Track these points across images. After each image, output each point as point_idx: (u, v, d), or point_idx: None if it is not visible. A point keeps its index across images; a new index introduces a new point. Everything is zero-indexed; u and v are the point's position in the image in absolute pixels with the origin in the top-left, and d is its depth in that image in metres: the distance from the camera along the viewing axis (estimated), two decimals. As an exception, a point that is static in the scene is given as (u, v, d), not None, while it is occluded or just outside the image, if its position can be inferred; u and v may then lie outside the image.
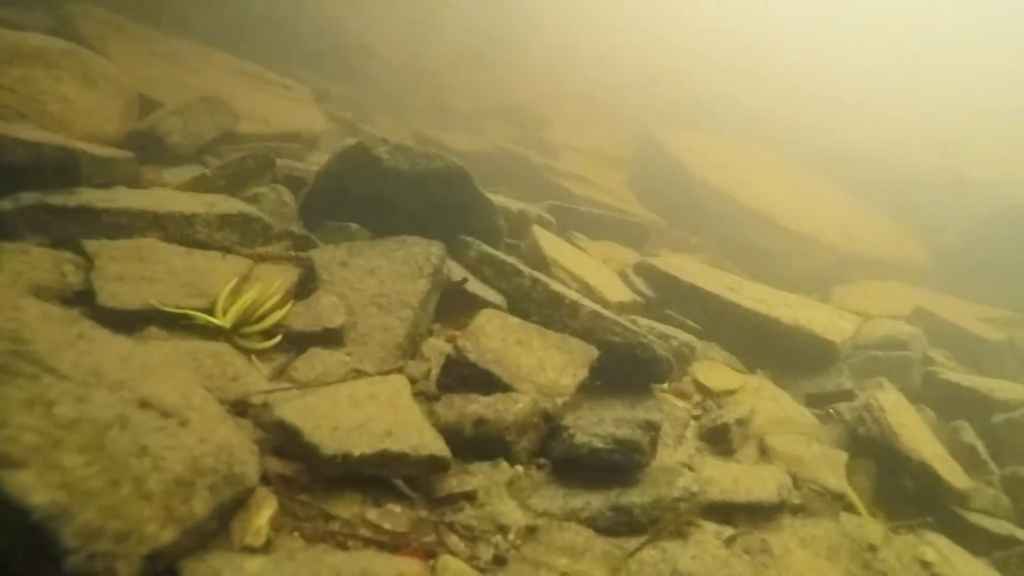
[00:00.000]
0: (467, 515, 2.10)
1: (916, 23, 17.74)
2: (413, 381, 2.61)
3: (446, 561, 1.86)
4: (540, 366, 2.79)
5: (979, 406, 4.33)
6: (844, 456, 3.35)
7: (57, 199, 2.78)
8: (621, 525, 2.24)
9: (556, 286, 3.42)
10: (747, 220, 7.73)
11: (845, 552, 2.66)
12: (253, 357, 2.51)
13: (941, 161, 10.70)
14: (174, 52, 5.95)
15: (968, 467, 3.69)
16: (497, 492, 2.23)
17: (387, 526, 1.93)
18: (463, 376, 2.65)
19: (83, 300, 2.44)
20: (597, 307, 3.31)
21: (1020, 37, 15.47)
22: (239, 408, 2.18)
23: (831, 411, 3.98)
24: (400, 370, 2.68)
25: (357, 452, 1.97)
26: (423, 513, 2.04)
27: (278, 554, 1.69)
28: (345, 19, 9.40)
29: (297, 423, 2.03)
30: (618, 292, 4.30)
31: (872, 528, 2.91)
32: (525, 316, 3.19)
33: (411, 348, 2.90)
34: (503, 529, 2.09)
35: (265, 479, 1.89)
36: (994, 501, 3.47)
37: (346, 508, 1.94)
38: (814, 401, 4.05)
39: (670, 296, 4.52)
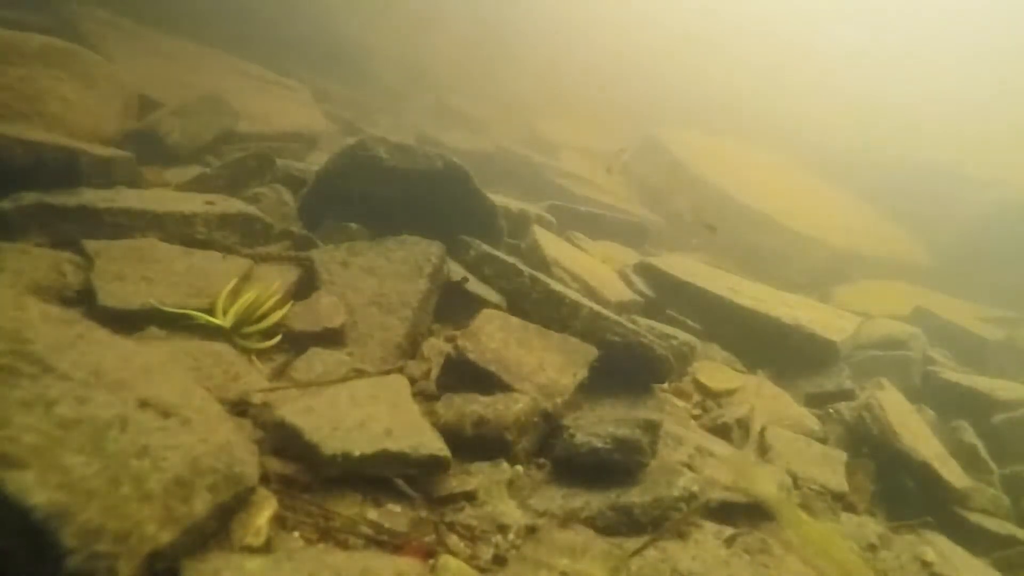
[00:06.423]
0: (467, 515, 2.10)
1: (917, 23, 17.73)
2: (413, 381, 2.61)
3: (446, 561, 1.86)
4: (540, 366, 2.79)
5: (979, 406, 4.33)
6: (844, 456, 3.35)
7: (57, 199, 2.79)
8: (621, 525, 2.24)
9: (556, 286, 3.42)
10: (747, 219, 7.73)
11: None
12: (253, 357, 2.51)
13: (941, 160, 10.70)
14: (174, 52, 5.95)
15: (968, 467, 3.69)
16: (497, 492, 2.23)
17: (387, 526, 1.93)
18: (463, 376, 2.64)
19: (83, 300, 2.44)
20: (597, 307, 3.31)
21: (1020, 37, 15.46)
22: (239, 408, 2.18)
23: (831, 411, 3.98)
24: (400, 370, 2.68)
25: (357, 452, 1.97)
26: (423, 513, 2.04)
27: (278, 554, 1.69)
28: (345, 19, 9.39)
29: (297, 423, 2.03)
30: (618, 292, 4.30)
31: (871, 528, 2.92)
32: (525, 316, 3.19)
33: (411, 348, 2.90)
34: (503, 529, 2.09)
35: (265, 479, 1.88)
36: (994, 501, 3.47)
37: (346, 508, 1.94)
38: (814, 401, 4.05)
39: (670, 296, 4.52)
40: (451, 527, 2.03)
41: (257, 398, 2.23)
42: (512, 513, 2.16)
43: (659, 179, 8.47)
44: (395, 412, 2.21)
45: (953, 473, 3.41)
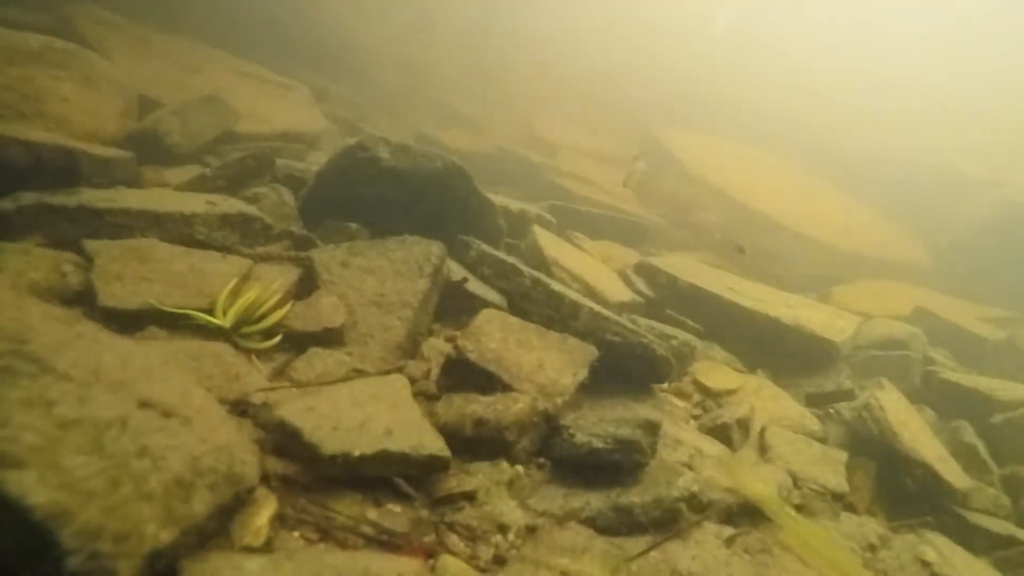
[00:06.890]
0: (467, 515, 2.10)
1: (917, 24, 17.73)
2: (413, 381, 2.61)
3: (446, 561, 1.87)
4: (540, 366, 2.79)
5: (979, 406, 4.33)
6: (844, 456, 3.36)
7: (57, 199, 2.78)
8: (621, 525, 2.24)
9: (556, 286, 3.42)
10: (747, 220, 7.73)
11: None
12: (253, 357, 2.51)
13: (941, 161, 10.70)
14: (174, 52, 5.94)
15: (968, 467, 3.69)
16: (497, 492, 2.23)
17: (387, 526, 1.93)
18: (463, 376, 2.65)
19: (83, 300, 2.44)
20: (597, 307, 3.31)
21: (1021, 38, 15.46)
22: (239, 408, 2.18)
23: (831, 411, 3.98)
24: (400, 370, 2.68)
25: (357, 452, 1.97)
26: (423, 513, 2.04)
27: (278, 554, 1.69)
28: (345, 19, 9.39)
29: (297, 423, 2.03)
30: (618, 292, 4.30)
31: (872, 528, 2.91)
32: (525, 316, 3.19)
33: (411, 348, 2.90)
34: (503, 529, 2.09)
35: (265, 479, 1.88)
36: (994, 501, 3.47)
37: (346, 508, 1.94)
38: (814, 401, 4.05)
39: (670, 296, 4.52)
40: (451, 527, 2.03)
41: (257, 398, 2.23)
42: (512, 513, 2.16)
43: (659, 180, 8.46)
44: (395, 412, 2.21)
45: (953, 473, 3.41)
